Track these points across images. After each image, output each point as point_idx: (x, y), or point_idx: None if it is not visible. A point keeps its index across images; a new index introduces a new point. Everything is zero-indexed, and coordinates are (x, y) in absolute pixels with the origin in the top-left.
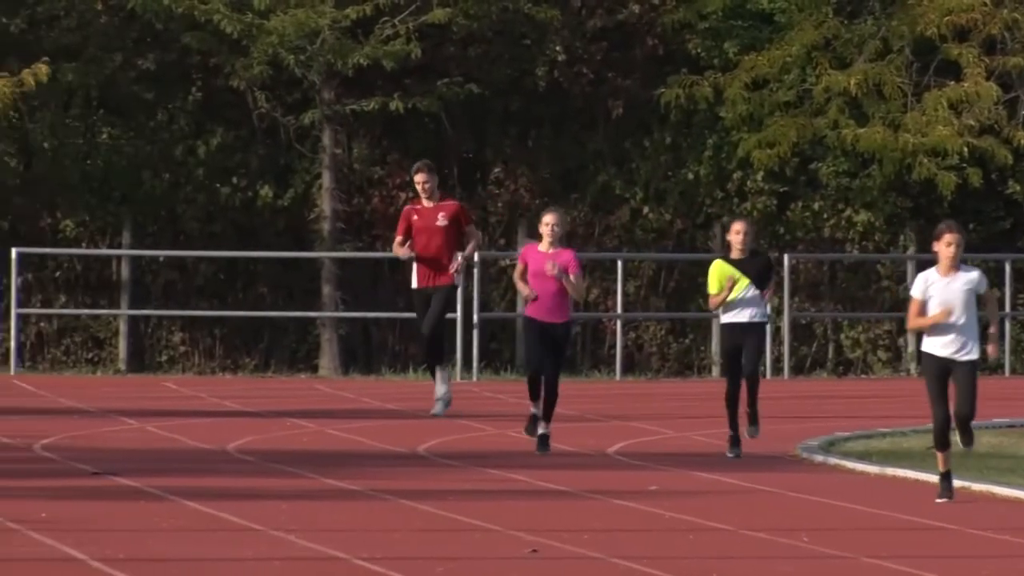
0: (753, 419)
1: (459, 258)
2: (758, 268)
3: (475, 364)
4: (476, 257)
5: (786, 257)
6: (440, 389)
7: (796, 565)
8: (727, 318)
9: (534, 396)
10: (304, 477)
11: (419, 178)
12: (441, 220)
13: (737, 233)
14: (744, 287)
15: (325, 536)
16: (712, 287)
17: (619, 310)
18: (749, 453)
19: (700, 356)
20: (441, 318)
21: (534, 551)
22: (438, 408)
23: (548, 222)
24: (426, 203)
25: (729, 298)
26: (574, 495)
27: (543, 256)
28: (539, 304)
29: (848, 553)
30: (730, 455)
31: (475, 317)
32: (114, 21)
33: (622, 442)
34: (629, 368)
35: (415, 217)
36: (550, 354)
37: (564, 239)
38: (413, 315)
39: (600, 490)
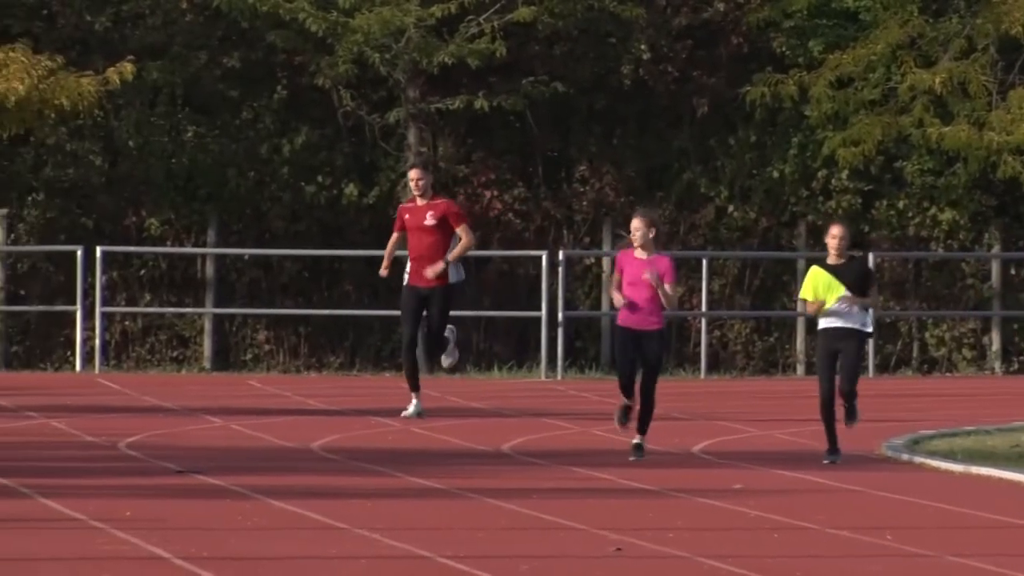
0: (851, 414)
1: (439, 264)
2: (856, 274)
3: (559, 362)
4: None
5: (871, 255)
6: (414, 403)
7: (881, 564)
8: (824, 323)
9: (627, 395)
10: (389, 475)
11: (412, 175)
12: (429, 219)
13: (833, 238)
14: (840, 294)
15: (410, 534)
16: (806, 292)
17: (704, 308)
18: None
19: (785, 354)
20: (444, 325)
21: (619, 550)
22: (412, 410)
23: (633, 227)
24: (418, 201)
25: (825, 307)
26: (659, 494)
27: (640, 264)
28: (632, 312)
29: (932, 552)
30: (826, 460)
31: (560, 315)
32: (199, 19)
33: (707, 440)
34: (714, 366)
35: (407, 216)
36: (644, 363)
37: (656, 244)
38: (497, 313)
39: (685, 489)
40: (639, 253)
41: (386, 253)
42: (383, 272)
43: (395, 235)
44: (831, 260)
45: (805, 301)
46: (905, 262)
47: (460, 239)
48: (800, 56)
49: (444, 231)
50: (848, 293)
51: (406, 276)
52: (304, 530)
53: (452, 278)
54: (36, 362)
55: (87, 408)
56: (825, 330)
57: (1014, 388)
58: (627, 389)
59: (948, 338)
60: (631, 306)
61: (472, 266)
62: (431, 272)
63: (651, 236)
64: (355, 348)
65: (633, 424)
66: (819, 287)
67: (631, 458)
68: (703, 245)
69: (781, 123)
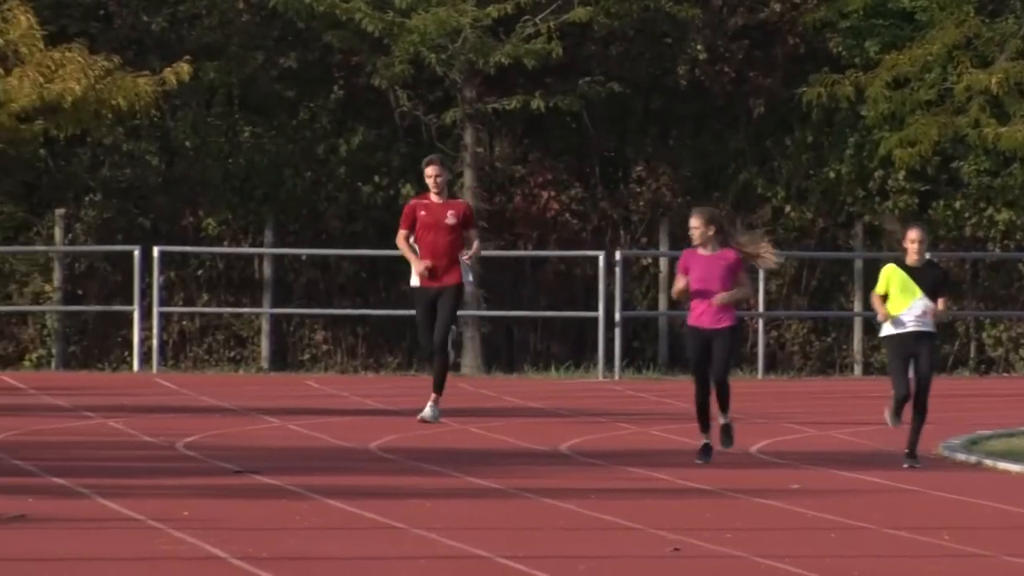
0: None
1: (471, 251)
2: (934, 279)
3: (617, 362)
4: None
5: (928, 256)
6: (432, 407)
7: (938, 564)
8: (895, 327)
9: (703, 425)
10: (447, 475)
11: (430, 171)
12: (451, 219)
13: (913, 241)
14: (916, 297)
15: (467, 534)
16: (880, 288)
17: (761, 309)
18: (890, 452)
19: (842, 354)
20: (451, 324)
21: (676, 550)
22: (430, 413)
23: (691, 226)
24: (435, 198)
25: (901, 309)
26: (716, 494)
27: (705, 261)
28: (702, 311)
29: (990, 552)
30: (906, 464)
31: (617, 315)
32: (255, 19)
33: (764, 441)
34: (771, 366)
35: (422, 212)
36: (717, 359)
37: (721, 239)
38: (554, 313)
39: (742, 489)
40: (703, 251)
41: (410, 255)
42: (424, 270)
43: (403, 232)
44: (910, 261)
45: (877, 297)
46: (962, 262)
47: (474, 240)
48: (856, 56)
49: (460, 232)
50: (925, 299)
51: (415, 278)
52: (361, 530)
53: (466, 278)
54: (94, 362)
55: (145, 408)
56: (899, 333)
57: None
58: (704, 407)
59: (1005, 338)
60: (701, 305)
61: (529, 266)
62: (467, 258)
63: (711, 233)
64: (412, 348)
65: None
66: (894, 286)
67: (698, 460)
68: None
69: (837, 123)
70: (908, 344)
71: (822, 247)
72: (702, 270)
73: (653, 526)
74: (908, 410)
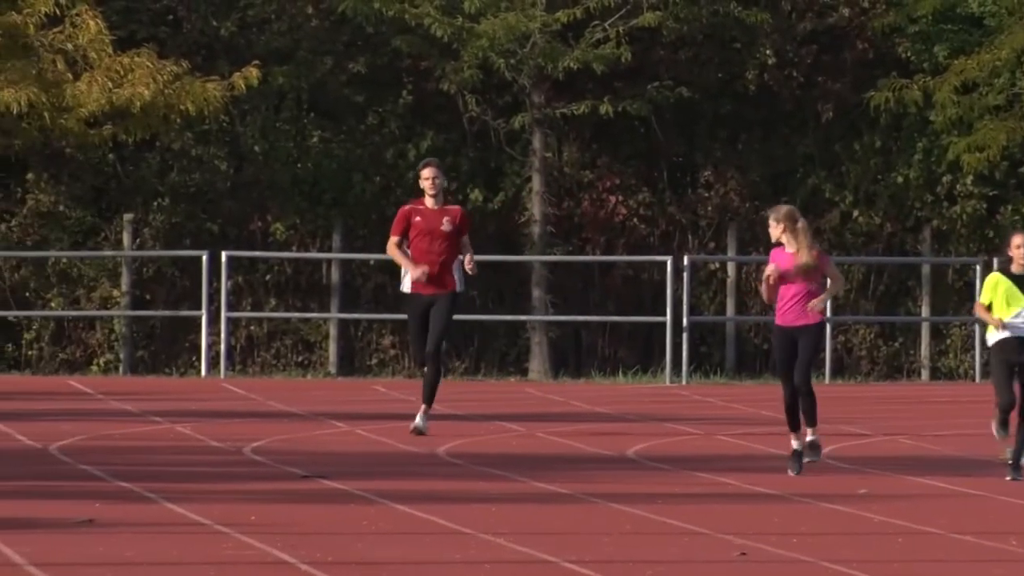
0: None
1: (469, 260)
2: None
3: (684, 367)
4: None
5: (995, 261)
6: (422, 417)
7: (1004, 569)
8: (1002, 335)
9: (792, 425)
10: (513, 480)
11: (427, 173)
12: (446, 225)
13: (1018, 247)
14: (1022, 306)
15: (534, 539)
16: (985, 298)
17: (829, 313)
18: (958, 457)
19: (909, 359)
20: (445, 333)
21: (743, 554)
22: (421, 423)
23: (770, 227)
24: (430, 203)
25: (1006, 318)
26: (783, 498)
27: (789, 259)
28: (787, 309)
29: None
30: (1009, 477)
31: (685, 320)
32: (325, 24)
33: (831, 446)
34: (838, 371)
35: (416, 218)
36: (801, 359)
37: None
38: (622, 318)
39: (809, 493)
40: (788, 248)
41: (405, 260)
42: (421, 274)
43: (394, 239)
44: (1016, 269)
45: (981, 307)
46: None
47: (468, 248)
48: (925, 61)
49: (456, 239)
50: None
51: (406, 284)
52: (428, 535)
53: (459, 286)
54: (161, 367)
55: (212, 413)
56: (1006, 340)
57: None
58: (792, 408)
59: None
60: (785, 303)
61: (596, 271)
62: (469, 266)
63: (794, 230)
64: (480, 353)
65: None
66: (998, 295)
67: (791, 471)
68: (827, 250)
69: (906, 128)
70: (1013, 352)
71: (890, 252)
72: (786, 267)
73: (720, 531)
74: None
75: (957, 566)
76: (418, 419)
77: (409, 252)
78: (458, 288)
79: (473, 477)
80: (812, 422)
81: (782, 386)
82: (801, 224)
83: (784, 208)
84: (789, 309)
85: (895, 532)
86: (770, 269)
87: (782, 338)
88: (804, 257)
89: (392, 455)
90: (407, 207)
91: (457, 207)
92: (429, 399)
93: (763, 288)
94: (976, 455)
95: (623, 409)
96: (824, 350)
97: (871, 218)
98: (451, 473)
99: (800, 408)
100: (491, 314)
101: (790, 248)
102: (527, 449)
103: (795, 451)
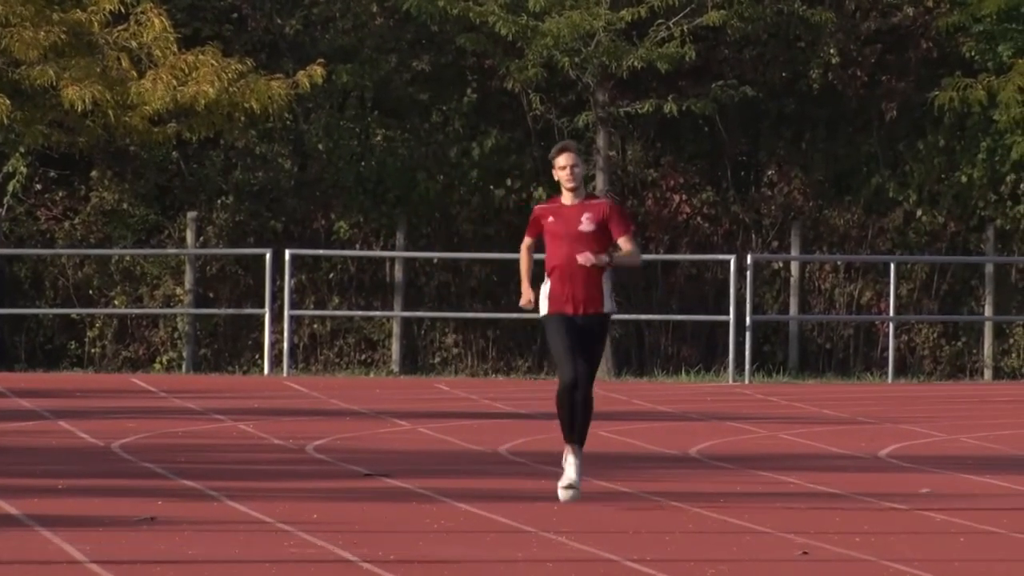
0: None
1: (606, 257)
2: None
3: (747, 366)
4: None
5: None
6: (571, 471)
7: None
8: None
9: None
10: None
11: (563, 161)
12: (586, 225)
13: None
14: None
15: (596, 538)
16: None
17: (891, 312)
18: (1021, 457)
19: (972, 359)
20: (594, 373)
21: (805, 553)
22: (570, 494)
23: None
24: (568, 199)
25: None
26: (845, 497)
27: None
28: None
29: None
30: None
31: (748, 319)
32: (389, 23)
33: (894, 445)
34: (901, 370)
35: (550, 219)
36: None
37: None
38: (685, 317)
39: (871, 493)
40: None
41: (524, 272)
42: (527, 302)
43: (527, 240)
44: None
45: None
46: None
47: (623, 251)
48: (989, 60)
49: (603, 240)
50: None
51: (544, 302)
52: (491, 533)
53: (609, 304)
54: (224, 365)
55: (275, 411)
56: None
57: None
58: None
59: None
60: None
61: (660, 270)
62: (590, 262)
63: None
64: (543, 352)
65: None
66: None
67: None
68: (891, 249)
69: (970, 128)
70: None
71: (953, 251)
72: None
73: (782, 530)
74: None
75: (1019, 566)
76: (571, 472)
77: (547, 257)
78: (606, 308)
79: (535, 476)
80: None
81: None
82: None
83: None
84: None
85: (957, 532)
86: None
87: None
88: None
89: (454, 453)
90: (541, 206)
91: (604, 200)
92: (581, 438)
93: None
94: None
95: (686, 408)
96: (887, 348)
97: (934, 217)
98: (513, 472)
99: None
100: None
101: None
102: (589, 448)
103: None
